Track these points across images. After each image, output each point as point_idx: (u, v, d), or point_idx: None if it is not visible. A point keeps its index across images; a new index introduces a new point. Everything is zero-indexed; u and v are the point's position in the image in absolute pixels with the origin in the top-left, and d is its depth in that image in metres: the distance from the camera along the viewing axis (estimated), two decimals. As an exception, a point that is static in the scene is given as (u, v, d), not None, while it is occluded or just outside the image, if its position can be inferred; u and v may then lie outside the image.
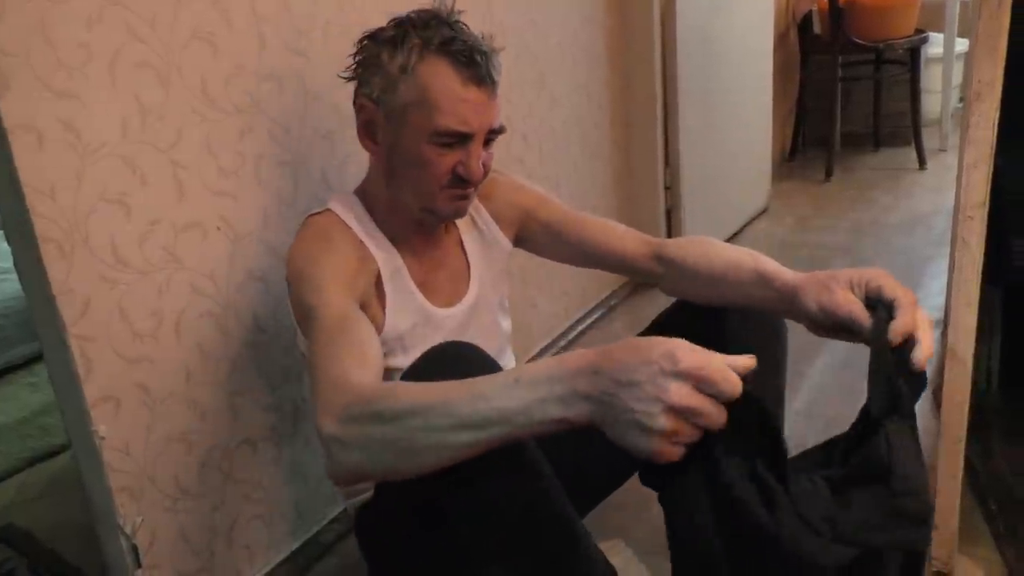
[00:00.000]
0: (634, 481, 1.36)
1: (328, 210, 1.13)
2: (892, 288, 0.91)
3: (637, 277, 1.25)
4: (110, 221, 1.07)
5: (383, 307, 1.12)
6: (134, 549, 1.14)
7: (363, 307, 1.05)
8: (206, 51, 1.17)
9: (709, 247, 1.17)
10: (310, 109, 1.34)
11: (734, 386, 0.68)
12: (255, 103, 1.25)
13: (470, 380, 0.75)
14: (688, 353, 0.68)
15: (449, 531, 0.93)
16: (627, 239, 1.24)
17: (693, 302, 1.20)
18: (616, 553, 1.40)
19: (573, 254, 1.28)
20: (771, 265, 1.08)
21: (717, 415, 0.68)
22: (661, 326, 1.28)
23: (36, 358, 2.26)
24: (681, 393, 0.67)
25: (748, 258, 1.11)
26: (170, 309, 1.16)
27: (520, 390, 0.71)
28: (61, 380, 1.08)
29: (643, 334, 1.29)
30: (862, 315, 0.93)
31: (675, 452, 0.69)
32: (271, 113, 1.27)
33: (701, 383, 0.67)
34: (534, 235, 1.29)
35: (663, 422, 0.67)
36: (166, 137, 1.13)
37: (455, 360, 0.90)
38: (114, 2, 1.04)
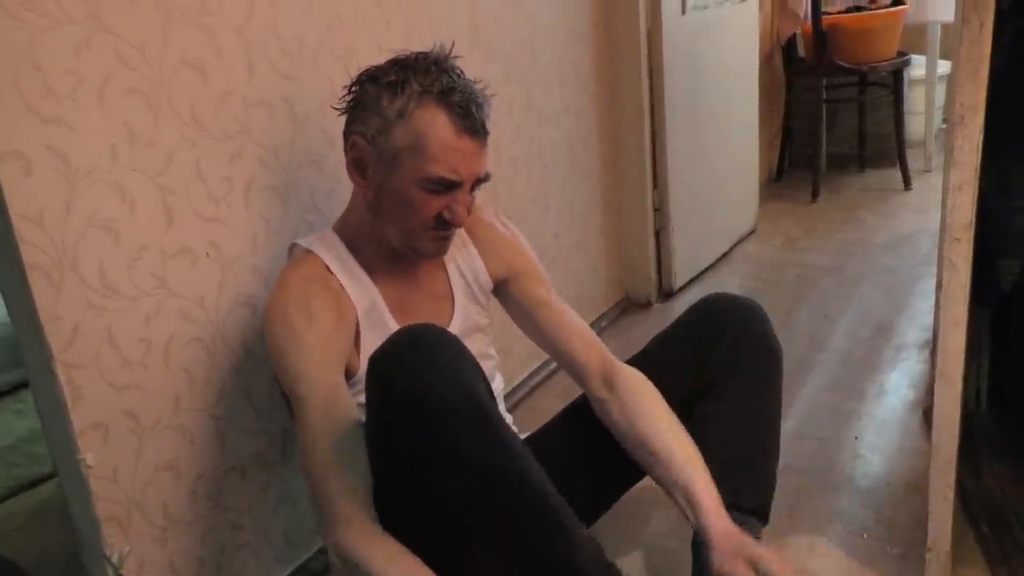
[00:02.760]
0: (625, 505, 1.36)
1: (310, 252, 1.16)
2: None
3: (576, 383, 1.28)
4: (99, 247, 1.06)
5: (358, 350, 1.15)
6: (121, 579, 1.13)
7: (348, 351, 1.12)
8: (195, 77, 1.17)
9: (656, 416, 1.19)
10: (299, 133, 1.34)
11: None
12: (244, 128, 1.25)
13: None
14: None
15: (435, 518, 0.94)
16: (583, 347, 1.25)
17: (614, 432, 1.22)
18: None
19: (533, 332, 1.30)
20: (700, 486, 1.12)
21: None
22: (652, 353, 1.29)
23: (23, 385, 2.23)
24: None
25: (689, 464, 1.15)
26: (159, 336, 1.16)
27: None
28: (48, 407, 1.07)
29: (640, 354, 1.30)
30: None
31: None
32: (260, 138, 1.27)
33: None
34: (509, 296, 1.31)
35: None
36: (155, 163, 1.13)
37: (420, 347, 0.93)
38: (103, 29, 1.04)
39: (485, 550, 0.94)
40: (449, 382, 0.90)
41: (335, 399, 1.03)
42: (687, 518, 1.13)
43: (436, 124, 1.05)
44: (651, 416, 1.19)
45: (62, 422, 1.06)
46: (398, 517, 0.97)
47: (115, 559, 1.11)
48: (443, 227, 1.12)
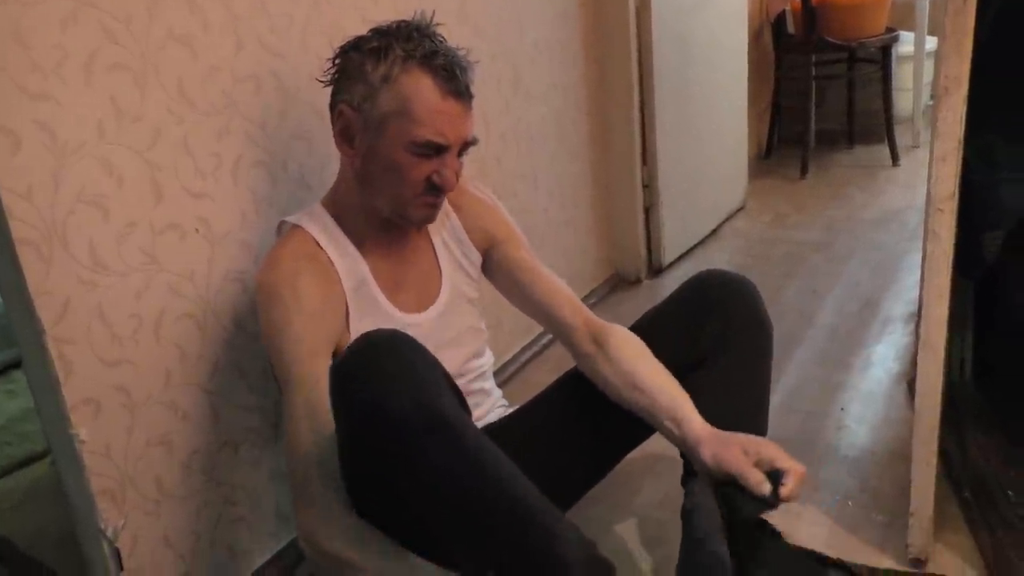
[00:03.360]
0: (616, 475, 1.37)
1: (298, 227, 1.16)
2: (783, 459, 1.06)
3: (564, 344, 1.29)
4: (88, 223, 1.07)
5: (348, 325, 1.15)
6: (116, 553, 1.14)
7: (339, 331, 1.13)
8: (182, 52, 1.16)
9: (644, 360, 1.21)
10: (288, 109, 1.34)
11: None
12: (232, 103, 1.24)
13: None
14: None
15: (411, 518, 0.95)
16: (570, 309, 1.27)
17: (603, 386, 1.23)
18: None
19: (520, 298, 1.32)
20: (687, 408, 1.15)
21: None
22: (643, 328, 1.31)
23: (13, 365, 2.23)
24: None
25: (675, 390, 1.18)
26: (149, 311, 1.16)
27: None
28: (40, 383, 1.08)
29: (631, 329, 1.31)
30: (748, 472, 1.05)
31: None
32: (248, 113, 1.27)
33: None
34: (494, 264, 1.32)
35: None
36: (143, 138, 1.13)
37: (376, 358, 0.93)
38: (89, 4, 1.04)
39: (462, 549, 0.94)
40: (404, 392, 0.89)
41: (321, 386, 1.04)
42: (674, 438, 1.14)
43: (421, 88, 1.06)
44: (638, 358, 1.21)
45: (55, 397, 1.06)
46: (376, 518, 0.98)
47: (110, 533, 1.12)
48: (433, 192, 1.13)
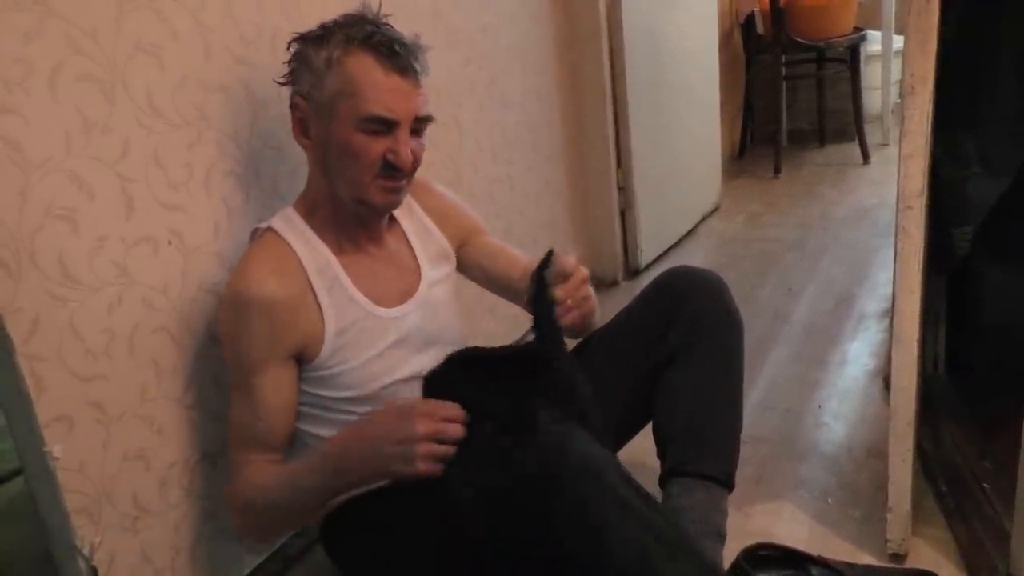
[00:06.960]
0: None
1: (269, 230, 1.17)
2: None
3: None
4: (57, 237, 1.05)
5: (323, 326, 1.16)
6: (93, 571, 1.12)
7: (303, 343, 1.15)
8: (151, 63, 1.15)
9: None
10: (259, 118, 1.33)
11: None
12: (203, 114, 1.24)
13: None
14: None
15: (412, 531, 0.94)
16: (519, 270, 1.34)
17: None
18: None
19: (486, 281, 1.39)
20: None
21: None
22: (616, 326, 1.32)
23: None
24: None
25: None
26: (123, 325, 1.15)
27: (316, 492, 1.10)
28: (11, 401, 1.06)
29: (604, 328, 1.34)
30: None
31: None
32: (219, 124, 1.26)
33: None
34: (469, 257, 1.37)
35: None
36: (112, 151, 1.11)
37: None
38: (53, 15, 1.03)
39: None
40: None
41: (273, 392, 1.14)
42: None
43: (364, 66, 1.08)
44: None
45: (27, 415, 1.04)
46: (377, 530, 1.02)
47: (86, 551, 1.11)
48: (390, 172, 1.13)
